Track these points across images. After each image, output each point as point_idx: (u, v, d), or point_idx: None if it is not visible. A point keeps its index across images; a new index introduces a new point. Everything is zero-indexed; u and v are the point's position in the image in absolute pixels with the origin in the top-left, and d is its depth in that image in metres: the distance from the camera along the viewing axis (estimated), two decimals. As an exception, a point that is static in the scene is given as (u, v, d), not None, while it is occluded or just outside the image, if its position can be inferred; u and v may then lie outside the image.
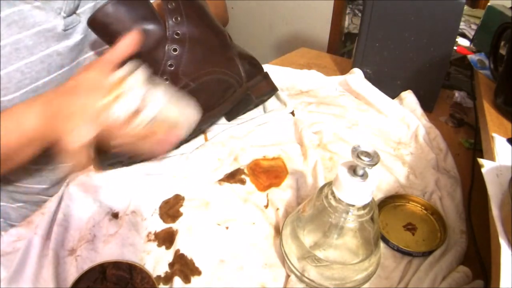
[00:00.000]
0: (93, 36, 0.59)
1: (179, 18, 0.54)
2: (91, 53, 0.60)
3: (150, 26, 0.52)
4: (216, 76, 0.58)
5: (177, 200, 0.53)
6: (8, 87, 0.52)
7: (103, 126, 0.43)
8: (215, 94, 0.59)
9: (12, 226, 0.67)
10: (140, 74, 0.45)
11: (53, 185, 0.64)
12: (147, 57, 0.53)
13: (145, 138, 0.46)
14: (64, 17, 0.54)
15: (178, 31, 0.54)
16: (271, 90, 0.69)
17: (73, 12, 0.55)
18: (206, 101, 0.57)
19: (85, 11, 0.57)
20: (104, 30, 0.51)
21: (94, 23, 0.50)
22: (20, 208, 0.67)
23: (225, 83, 0.60)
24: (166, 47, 0.53)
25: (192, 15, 0.56)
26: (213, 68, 0.58)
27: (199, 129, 0.60)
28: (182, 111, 0.48)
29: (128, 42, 0.48)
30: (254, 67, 0.66)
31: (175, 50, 0.54)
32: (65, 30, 0.54)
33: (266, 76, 0.68)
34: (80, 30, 0.57)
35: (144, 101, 0.44)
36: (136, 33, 0.49)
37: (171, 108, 0.46)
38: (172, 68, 0.54)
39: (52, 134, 0.45)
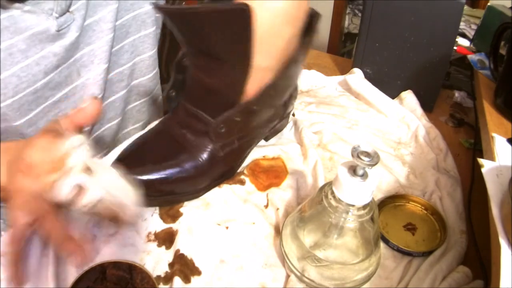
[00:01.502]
0: (89, 32, 0.57)
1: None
2: (87, 48, 0.58)
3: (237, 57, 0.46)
4: (255, 133, 0.56)
5: (177, 200, 0.53)
6: (5, 93, 0.51)
7: (46, 207, 0.40)
8: (243, 155, 0.57)
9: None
10: (81, 153, 0.40)
11: None
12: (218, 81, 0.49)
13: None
14: (57, 17, 0.52)
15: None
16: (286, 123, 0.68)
17: (65, 11, 0.53)
18: (232, 165, 0.56)
19: (79, 7, 0.55)
20: (182, 27, 0.47)
21: (176, 15, 0.46)
22: None
23: (256, 139, 0.58)
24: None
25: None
26: (261, 122, 0.56)
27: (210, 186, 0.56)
28: (126, 191, 0.42)
29: (88, 112, 0.44)
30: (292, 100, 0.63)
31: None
32: (58, 30, 0.53)
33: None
34: (75, 28, 0.55)
35: (88, 180, 0.40)
36: (97, 103, 0.45)
37: (115, 188, 0.41)
38: (223, 131, 0.51)
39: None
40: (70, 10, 0.54)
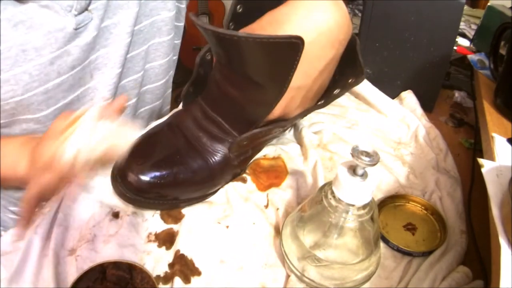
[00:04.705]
0: (106, 34, 0.56)
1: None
2: (103, 51, 0.57)
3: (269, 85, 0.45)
4: (270, 140, 0.56)
5: (179, 201, 0.53)
6: (15, 89, 0.50)
7: (60, 171, 0.42)
8: (253, 158, 0.58)
9: None
10: (90, 112, 0.44)
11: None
12: (249, 101, 0.49)
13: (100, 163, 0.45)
14: (75, 15, 0.51)
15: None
16: None
17: (84, 9, 0.51)
18: (240, 168, 0.56)
19: (97, 7, 0.53)
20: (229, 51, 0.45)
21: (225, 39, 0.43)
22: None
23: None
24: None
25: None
26: (273, 138, 0.56)
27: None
28: (126, 136, 0.46)
29: (115, 106, 0.47)
30: None
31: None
32: (76, 29, 0.51)
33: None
34: (92, 28, 0.53)
35: (90, 134, 0.43)
36: (124, 98, 0.47)
37: (115, 134, 0.45)
38: (245, 143, 0.51)
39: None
40: (89, 9, 0.53)
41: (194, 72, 0.53)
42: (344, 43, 0.47)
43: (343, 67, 0.53)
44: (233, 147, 0.50)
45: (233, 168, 0.53)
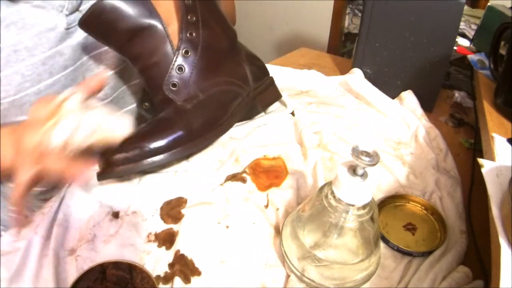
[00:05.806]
0: None
1: (194, 18, 0.53)
2: (95, 52, 0.58)
3: (148, 24, 0.51)
4: (224, 87, 0.57)
5: (180, 202, 0.53)
6: (8, 90, 0.50)
7: (44, 158, 0.43)
8: (223, 106, 0.58)
9: None
10: (74, 99, 0.45)
11: (52, 188, 0.64)
12: (150, 57, 0.52)
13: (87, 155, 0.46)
14: (67, 15, 0.52)
15: (193, 32, 0.53)
16: (276, 97, 0.69)
17: (76, 9, 0.53)
18: (214, 114, 0.56)
19: (88, 8, 0.54)
20: (97, 30, 0.51)
21: (87, 23, 0.49)
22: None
23: (232, 93, 0.59)
24: (179, 48, 0.52)
25: (207, 15, 0.55)
26: (222, 78, 0.57)
27: (205, 146, 0.59)
28: (116, 125, 0.48)
29: (94, 83, 0.49)
30: (260, 69, 0.66)
31: (186, 52, 0.53)
32: (67, 28, 0.52)
33: (272, 82, 0.68)
34: None
35: (78, 125, 0.44)
36: (103, 77, 0.50)
37: (105, 125, 0.47)
38: (182, 73, 0.53)
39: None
40: (80, 9, 0.54)
41: (139, 89, 0.59)
42: None
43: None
44: (166, 92, 0.53)
45: (194, 112, 0.54)
